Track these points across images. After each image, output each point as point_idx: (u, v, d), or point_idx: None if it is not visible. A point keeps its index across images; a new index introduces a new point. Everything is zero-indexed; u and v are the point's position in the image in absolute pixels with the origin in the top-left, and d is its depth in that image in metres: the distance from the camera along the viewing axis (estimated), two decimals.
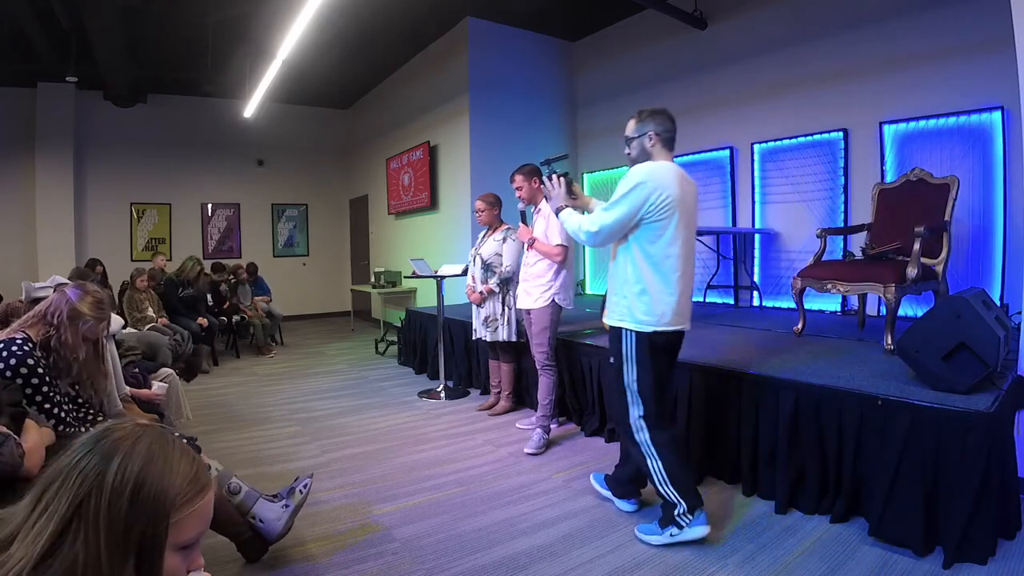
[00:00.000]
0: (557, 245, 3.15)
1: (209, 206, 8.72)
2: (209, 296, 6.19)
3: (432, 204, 6.83)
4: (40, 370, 1.85)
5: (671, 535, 2.08)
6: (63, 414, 1.92)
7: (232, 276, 6.75)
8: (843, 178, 4.44)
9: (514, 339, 3.69)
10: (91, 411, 2.12)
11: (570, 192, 2.39)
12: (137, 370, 2.87)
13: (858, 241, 3.84)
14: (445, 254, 6.37)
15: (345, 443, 3.35)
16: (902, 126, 4.07)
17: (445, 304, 4.57)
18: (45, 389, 1.86)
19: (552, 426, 3.36)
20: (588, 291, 6.66)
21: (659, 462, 2.11)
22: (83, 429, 2.00)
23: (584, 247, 5.78)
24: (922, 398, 2.08)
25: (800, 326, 3.47)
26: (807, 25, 4.59)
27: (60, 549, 0.62)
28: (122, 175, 7.97)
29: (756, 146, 4.98)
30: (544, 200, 3.00)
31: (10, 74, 6.79)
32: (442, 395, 4.31)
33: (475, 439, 3.39)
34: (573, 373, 3.58)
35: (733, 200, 5.21)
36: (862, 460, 2.20)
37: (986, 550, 1.89)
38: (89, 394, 2.11)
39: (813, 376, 2.44)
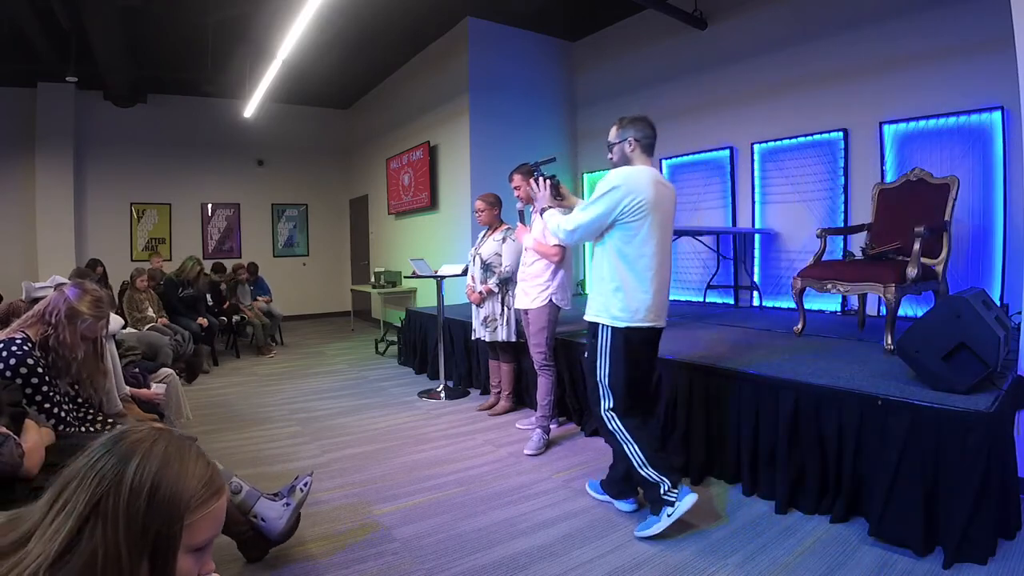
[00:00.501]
0: (554, 245, 3.15)
1: (209, 206, 8.72)
2: (209, 296, 6.19)
3: (432, 204, 6.83)
4: (40, 370, 1.85)
5: (668, 515, 2.10)
6: (63, 414, 1.93)
7: (233, 276, 6.76)
8: (843, 178, 4.44)
9: (513, 339, 3.69)
10: (91, 411, 2.12)
11: (557, 193, 2.55)
12: (137, 370, 2.87)
13: (858, 241, 3.84)
14: (445, 254, 6.37)
15: (345, 443, 3.35)
16: (902, 126, 4.07)
17: (445, 304, 4.57)
18: (45, 389, 1.86)
19: (552, 426, 3.36)
20: (587, 291, 6.65)
21: (635, 445, 2.20)
22: (83, 429, 2.00)
23: (584, 247, 5.78)
24: (922, 398, 2.08)
25: (800, 326, 3.48)
26: (807, 25, 4.59)
27: (77, 546, 0.64)
28: (122, 175, 7.97)
29: (756, 146, 4.98)
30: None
31: (10, 74, 6.79)
32: (442, 395, 4.31)
33: (475, 439, 3.39)
34: (573, 373, 3.57)
35: (733, 200, 5.21)
36: (862, 460, 2.20)
37: (986, 550, 1.89)
38: (89, 393, 2.11)
39: (813, 376, 2.45)
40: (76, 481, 0.67)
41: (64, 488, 0.67)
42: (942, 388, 2.14)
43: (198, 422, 3.58)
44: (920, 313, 3.71)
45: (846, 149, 4.42)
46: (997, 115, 3.63)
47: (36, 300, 2.21)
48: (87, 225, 7.72)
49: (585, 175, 6.81)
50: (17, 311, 2.27)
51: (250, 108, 7.12)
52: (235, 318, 6.37)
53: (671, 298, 5.56)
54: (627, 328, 2.21)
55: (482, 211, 3.77)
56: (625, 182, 2.14)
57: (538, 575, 1.95)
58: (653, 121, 2.31)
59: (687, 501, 2.10)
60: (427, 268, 4.53)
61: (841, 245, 4.29)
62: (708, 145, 5.37)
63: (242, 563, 1.99)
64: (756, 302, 5.00)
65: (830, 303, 4.49)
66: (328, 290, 9.70)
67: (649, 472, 2.15)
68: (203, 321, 5.61)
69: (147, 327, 4.93)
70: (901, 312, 3.25)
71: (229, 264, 7.09)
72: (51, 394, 1.88)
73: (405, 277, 7.23)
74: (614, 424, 2.25)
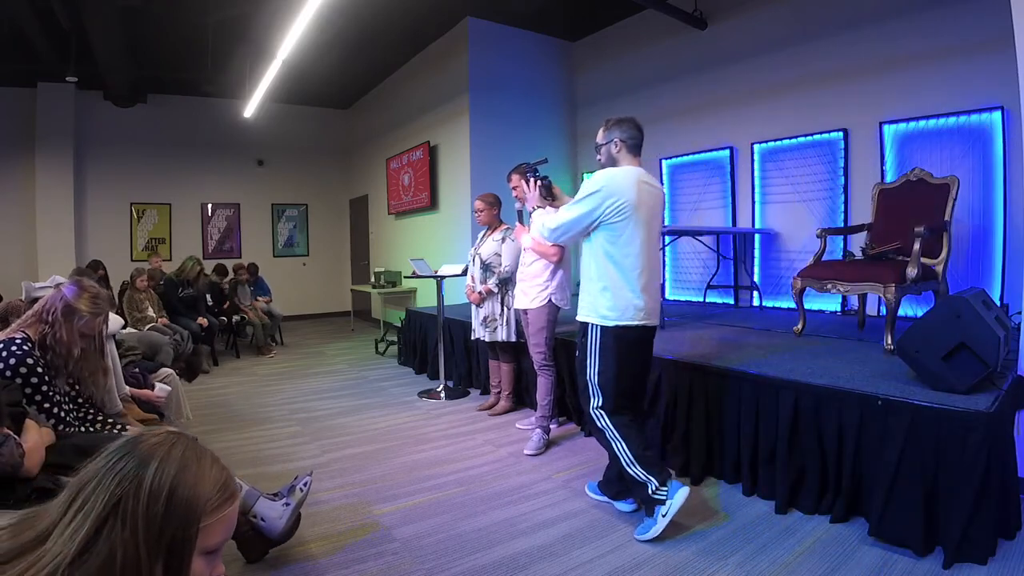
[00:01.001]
0: (553, 245, 3.14)
1: (209, 206, 8.72)
2: (209, 296, 6.19)
3: (432, 204, 6.83)
4: (39, 369, 1.85)
5: (663, 515, 2.10)
6: (63, 413, 1.93)
7: (234, 277, 6.76)
8: (843, 178, 4.44)
9: (513, 339, 3.69)
10: (91, 411, 2.12)
11: (549, 194, 2.65)
12: (137, 370, 2.86)
13: (858, 241, 3.84)
14: (445, 254, 6.37)
15: (345, 443, 3.35)
16: (902, 126, 4.07)
17: (445, 304, 4.57)
18: (45, 388, 1.86)
19: (552, 426, 3.36)
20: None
21: (623, 443, 2.21)
22: (83, 429, 2.01)
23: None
24: (922, 398, 2.08)
25: (800, 326, 3.48)
26: (807, 25, 4.59)
27: (95, 546, 0.65)
28: (122, 175, 7.97)
29: (756, 146, 4.98)
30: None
31: (10, 74, 6.79)
32: (442, 395, 4.31)
33: (475, 439, 3.39)
34: (572, 373, 3.56)
35: (733, 200, 5.21)
36: (862, 460, 2.20)
37: (986, 550, 1.89)
38: (90, 391, 2.11)
39: (813, 376, 2.44)
40: (94, 482, 0.68)
41: (81, 489, 0.68)
42: (942, 388, 2.14)
43: (198, 422, 3.58)
44: (920, 313, 3.71)
45: (846, 149, 4.42)
46: (997, 115, 3.63)
47: (36, 300, 2.21)
48: (87, 225, 7.72)
49: (585, 175, 6.80)
50: (17, 311, 2.27)
51: (250, 108, 7.12)
52: (235, 318, 6.37)
53: (671, 298, 5.67)
54: (616, 327, 2.23)
55: (481, 211, 3.77)
56: (607, 184, 2.18)
57: (538, 575, 1.95)
58: (642, 122, 2.34)
59: (679, 497, 2.10)
60: (427, 268, 4.54)
61: (841, 245, 4.29)
62: (708, 145, 5.37)
63: (242, 563, 1.99)
64: (756, 302, 5.00)
65: (830, 303, 4.49)
66: (328, 290, 9.70)
67: (636, 471, 2.16)
68: (203, 321, 5.61)
69: (147, 327, 4.93)
70: (901, 312, 3.25)
71: (229, 264, 7.09)
72: (51, 394, 1.89)
73: (405, 277, 7.23)
74: (603, 422, 2.27)
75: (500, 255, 3.67)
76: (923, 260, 3.10)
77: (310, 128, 9.36)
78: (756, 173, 5.00)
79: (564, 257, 3.23)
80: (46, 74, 6.62)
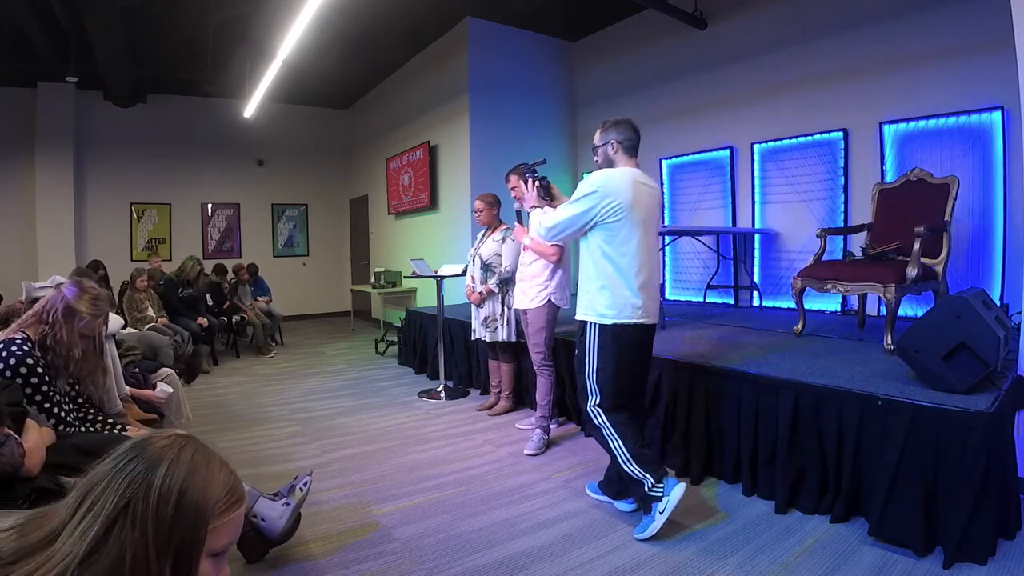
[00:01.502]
0: (552, 244, 3.15)
1: (209, 206, 8.72)
2: (209, 296, 6.19)
3: (432, 204, 6.83)
4: (40, 369, 1.85)
5: (660, 512, 2.10)
6: (63, 413, 1.93)
7: (234, 277, 6.76)
8: (843, 178, 4.44)
9: (513, 339, 3.69)
10: (91, 411, 2.12)
11: (548, 194, 2.69)
12: (137, 370, 2.86)
13: (858, 241, 3.84)
14: (445, 254, 6.37)
15: (345, 443, 3.35)
16: (902, 126, 4.07)
17: (445, 304, 4.57)
18: (45, 388, 1.86)
19: (552, 426, 3.36)
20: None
21: (619, 441, 2.22)
22: (83, 429, 2.01)
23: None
24: (922, 398, 2.08)
25: (800, 326, 3.48)
26: (807, 25, 4.59)
27: (104, 547, 0.65)
28: (122, 175, 7.97)
29: (756, 146, 4.98)
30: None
31: (10, 74, 6.79)
32: (442, 395, 4.31)
33: (475, 439, 3.39)
34: (572, 373, 3.56)
35: (733, 200, 5.21)
36: (862, 460, 2.20)
37: (986, 550, 1.89)
38: (89, 391, 2.11)
39: (813, 376, 2.45)
40: (104, 484, 0.68)
41: (91, 490, 0.69)
42: (942, 388, 2.14)
43: (198, 422, 3.58)
44: (920, 313, 3.71)
45: (846, 149, 4.42)
46: (997, 115, 3.63)
47: (36, 300, 2.21)
48: (87, 225, 7.72)
49: (585, 175, 6.78)
50: (16, 311, 2.27)
51: (250, 108, 7.12)
52: (235, 318, 6.37)
53: (671, 298, 5.67)
54: (614, 325, 2.25)
55: (481, 211, 3.77)
56: (601, 186, 2.21)
57: (538, 575, 1.95)
58: (642, 122, 2.36)
59: (676, 493, 2.10)
60: (427, 268, 4.54)
61: (841, 245, 4.29)
62: (708, 145, 5.37)
63: (242, 563, 1.99)
64: (756, 302, 5.00)
65: (830, 303, 4.49)
66: (328, 290, 9.70)
67: (633, 468, 2.17)
68: (203, 321, 5.61)
69: (147, 327, 4.93)
70: (901, 312, 3.25)
71: (229, 264, 7.08)
72: (51, 394, 1.89)
73: (405, 277, 7.23)
74: (600, 419, 2.28)
75: (500, 255, 3.67)
76: (923, 260, 3.10)
77: (310, 128, 9.36)
78: (756, 173, 5.00)
79: (563, 257, 3.23)
80: (46, 74, 6.62)
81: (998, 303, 3.29)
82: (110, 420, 2.15)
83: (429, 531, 2.26)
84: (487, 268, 3.71)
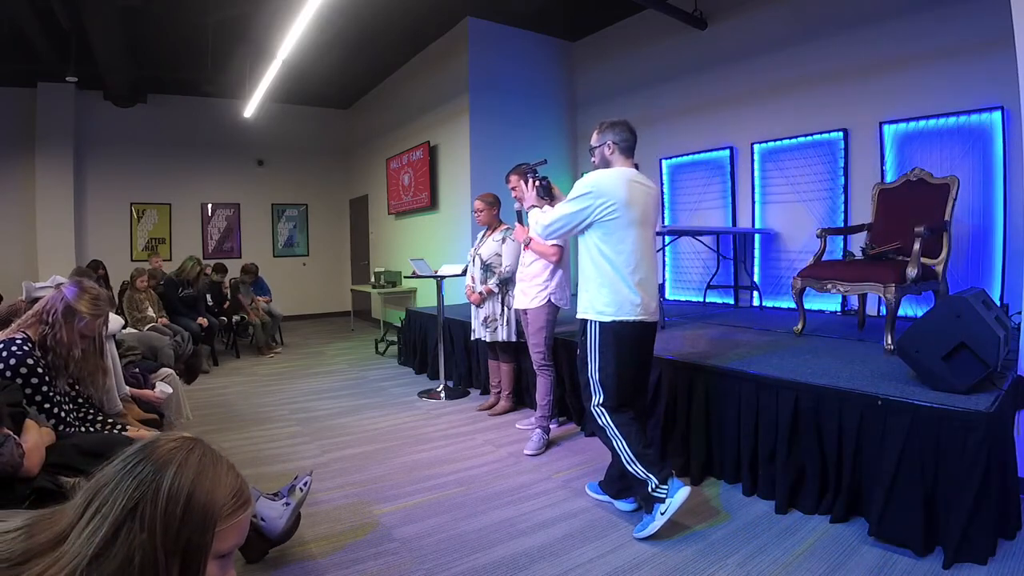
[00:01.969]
0: (552, 244, 3.15)
1: (209, 206, 8.72)
2: (209, 296, 6.19)
3: (432, 204, 6.83)
4: (40, 370, 1.85)
5: (662, 513, 2.10)
6: (63, 414, 1.93)
7: (235, 277, 6.76)
8: (843, 178, 4.44)
9: (513, 339, 3.69)
10: (91, 411, 2.12)
11: (548, 194, 2.72)
12: (137, 370, 2.86)
13: (858, 241, 3.84)
14: (445, 254, 6.37)
15: (345, 443, 3.35)
16: (902, 126, 4.07)
17: (445, 304, 4.57)
18: (45, 389, 1.86)
19: (552, 426, 3.36)
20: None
21: (623, 441, 2.22)
22: (83, 429, 2.01)
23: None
24: (922, 398, 2.08)
25: (800, 326, 3.48)
26: (807, 25, 4.59)
27: (113, 548, 0.66)
28: (122, 175, 7.97)
29: (756, 146, 4.98)
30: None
31: (10, 74, 6.79)
32: (442, 395, 4.31)
33: (475, 439, 3.39)
34: (572, 373, 3.57)
35: (733, 200, 5.21)
36: (862, 460, 2.20)
37: (986, 550, 1.89)
38: (89, 391, 2.11)
39: (813, 376, 2.45)
40: (112, 486, 0.69)
41: (99, 492, 0.69)
42: (942, 388, 2.14)
43: (198, 422, 3.57)
44: (920, 313, 3.71)
45: (846, 149, 4.42)
46: (997, 115, 3.63)
47: (36, 300, 2.21)
48: (87, 225, 7.72)
49: (585, 174, 6.80)
50: (17, 311, 2.27)
51: (250, 108, 7.12)
52: (235, 318, 6.37)
53: (671, 298, 5.67)
54: (614, 322, 2.25)
55: (481, 211, 3.77)
56: (596, 186, 2.24)
57: (538, 575, 1.95)
58: (641, 123, 2.41)
59: (679, 496, 2.10)
60: (427, 268, 4.54)
61: (841, 245, 4.29)
62: (708, 145, 5.37)
63: (242, 563, 1.98)
64: (756, 302, 5.00)
65: (830, 303, 4.49)
66: (328, 290, 9.70)
67: (637, 468, 2.17)
68: (203, 321, 5.61)
69: (147, 327, 4.93)
70: (901, 312, 3.25)
71: (229, 264, 7.08)
72: (51, 394, 1.88)
73: (405, 277, 7.23)
74: (604, 419, 2.28)
75: (501, 255, 3.67)
76: (923, 260, 3.10)
77: (310, 128, 9.36)
78: (756, 173, 5.00)
79: (563, 257, 3.24)
80: (46, 74, 6.62)
81: (998, 303, 3.29)
82: (110, 420, 2.15)
83: (429, 531, 2.26)
84: (487, 268, 3.71)
